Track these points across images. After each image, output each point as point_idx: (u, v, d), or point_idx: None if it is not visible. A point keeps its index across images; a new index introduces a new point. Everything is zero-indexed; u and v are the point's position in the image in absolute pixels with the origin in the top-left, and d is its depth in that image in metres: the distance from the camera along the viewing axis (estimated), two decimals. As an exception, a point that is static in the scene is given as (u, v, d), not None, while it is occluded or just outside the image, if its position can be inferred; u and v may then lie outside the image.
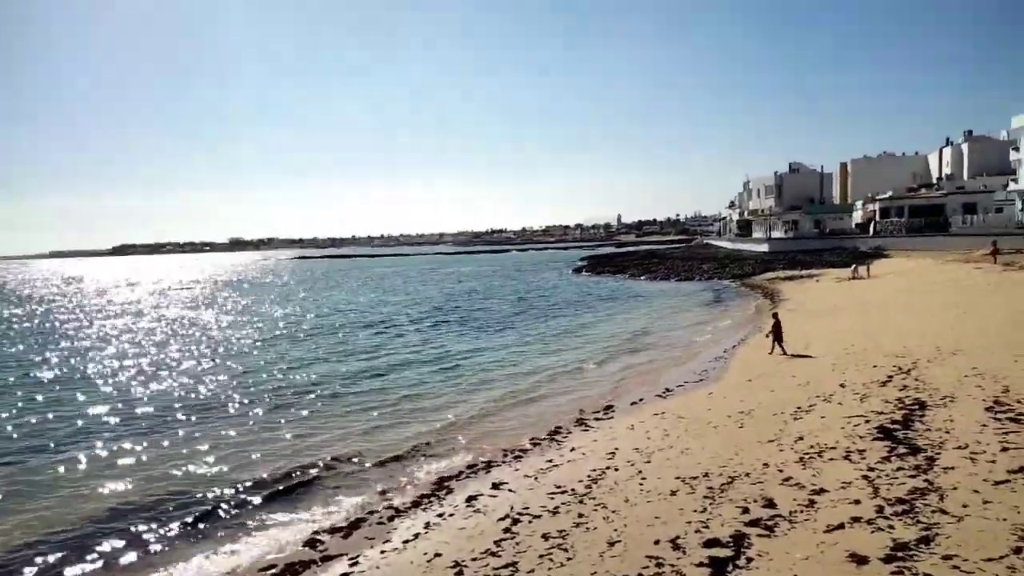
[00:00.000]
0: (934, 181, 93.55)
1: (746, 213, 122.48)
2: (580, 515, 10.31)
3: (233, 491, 13.29)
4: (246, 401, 21.17)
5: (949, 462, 10.75)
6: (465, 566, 9.03)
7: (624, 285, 63.68)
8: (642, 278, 69.04)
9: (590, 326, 36.34)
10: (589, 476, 12.08)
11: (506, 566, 8.88)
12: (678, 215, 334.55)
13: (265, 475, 14.16)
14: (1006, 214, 69.48)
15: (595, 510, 10.46)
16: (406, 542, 10.31)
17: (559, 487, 11.69)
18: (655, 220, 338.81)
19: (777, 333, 22.91)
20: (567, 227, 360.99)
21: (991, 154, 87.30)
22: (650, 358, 26.03)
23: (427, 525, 10.86)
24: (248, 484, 13.61)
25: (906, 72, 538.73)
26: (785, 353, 22.30)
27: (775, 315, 24.11)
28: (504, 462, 14.02)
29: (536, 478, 12.44)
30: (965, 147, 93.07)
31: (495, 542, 9.71)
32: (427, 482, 13.35)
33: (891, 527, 8.65)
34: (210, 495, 13.16)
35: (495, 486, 12.26)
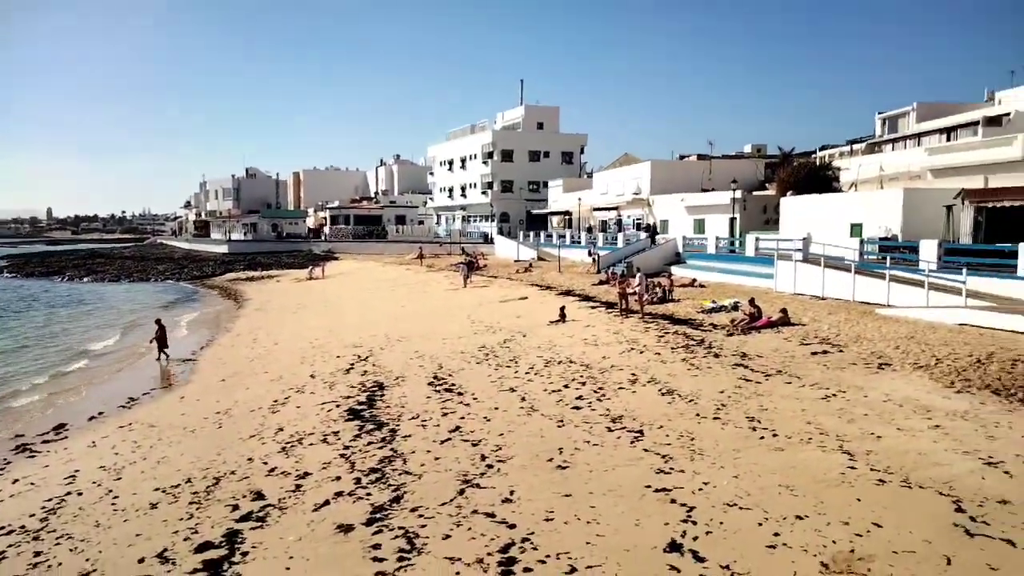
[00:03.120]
0: (372, 195, 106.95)
1: (204, 214, 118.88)
2: (37, 554, 8.70)
3: None
4: None
5: (407, 431, 12.65)
6: None
7: (65, 288, 54.62)
8: (86, 280, 60.42)
9: (32, 339, 30.19)
10: (44, 508, 10.22)
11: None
12: (124, 212, 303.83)
13: None
14: (426, 225, 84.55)
15: (57, 543, 8.95)
16: None
17: (2, 528, 9.59)
18: (96, 216, 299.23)
19: (161, 340, 23.03)
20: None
21: (415, 176, 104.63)
22: (107, 367, 23.14)
23: None
24: None
25: (355, 103, 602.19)
26: (168, 360, 22.72)
27: (158, 321, 23.81)
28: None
29: (-37, 526, 9.93)
30: (395, 168, 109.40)
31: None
32: None
33: (369, 494, 9.78)
34: None
35: None
